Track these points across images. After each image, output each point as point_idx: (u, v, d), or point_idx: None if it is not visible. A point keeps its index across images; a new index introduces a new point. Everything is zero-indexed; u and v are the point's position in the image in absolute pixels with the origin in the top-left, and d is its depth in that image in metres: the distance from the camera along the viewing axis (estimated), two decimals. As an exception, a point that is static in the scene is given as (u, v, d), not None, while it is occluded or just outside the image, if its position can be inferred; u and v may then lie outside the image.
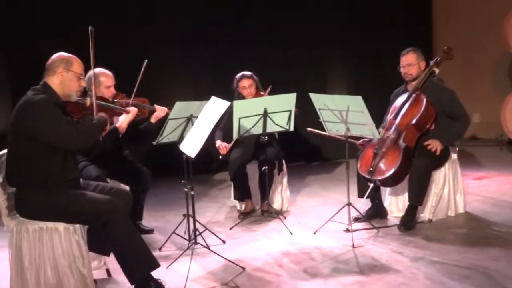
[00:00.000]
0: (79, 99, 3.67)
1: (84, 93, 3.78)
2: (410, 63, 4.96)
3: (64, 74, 3.54)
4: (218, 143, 5.27)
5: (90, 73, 4.55)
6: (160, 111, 4.66)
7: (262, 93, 5.45)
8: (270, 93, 5.40)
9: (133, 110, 4.16)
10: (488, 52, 8.62)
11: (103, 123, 3.63)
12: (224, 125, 5.23)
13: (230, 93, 5.48)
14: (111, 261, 3.77)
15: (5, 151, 3.63)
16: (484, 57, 8.76)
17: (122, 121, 4.10)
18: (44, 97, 3.42)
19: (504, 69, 8.55)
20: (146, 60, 4.43)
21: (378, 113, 5.01)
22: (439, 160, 4.91)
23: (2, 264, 3.78)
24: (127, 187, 4.67)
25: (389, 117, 4.96)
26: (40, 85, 3.53)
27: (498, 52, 8.13)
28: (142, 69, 4.44)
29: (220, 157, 5.28)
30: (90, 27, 3.58)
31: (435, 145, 4.78)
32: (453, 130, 4.90)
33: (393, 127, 4.83)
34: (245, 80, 5.43)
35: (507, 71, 8.50)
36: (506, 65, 8.44)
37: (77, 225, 3.55)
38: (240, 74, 5.49)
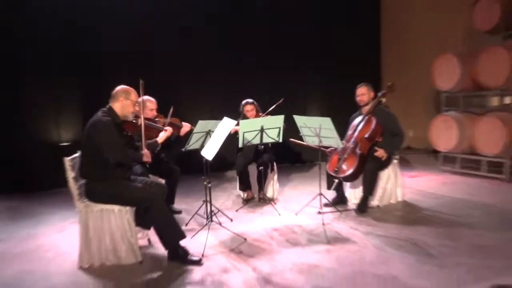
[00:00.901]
0: (133, 120, 3.73)
1: (137, 116, 3.82)
2: (363, 93, 5.00)
3: (124, 101, 3.60)
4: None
5: (139, 99, 4.61)
6: (186, 127, 4.68)
7: (260, 114, 5.47)
8: (271, 110, 5.42)
9: (169, 129, 4.19)
10: (421, 87, 8.62)
11: (136, 158, 3.67)
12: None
13: (236, 112, 5.51)
14: (151, 233, 3.80)
15: (78, 153, 3.67)
16: (418, 90, 8.76)
17: (161, 136, 4.11)
18: (110, 119, 3.49)
19: (431, 99, 8.56)
20: (172, 106, 4.49)
21: (343, 128, 5.06)
22: (384, 164, 4.93)
23: (75, 234, 3.80)
24: (163, 181, 4.69)
25: (349, 132, 4.98)
26: (107, 108, 3.60)
27: (427, 87, 8.13)
28: (170, 113, 4.50)
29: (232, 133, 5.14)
30: (141, 81, 3.68)
31: (381, 153, 4.81)
32: (393, 143, 4.91)
33: (352, 140, 4.85)
34: (248, 106, 5.47)
35: (433, 101, 8.52)
36: (432, 96, 8.45)
37: (128, 208, 3.58)
38: (245, 101, 5.52)
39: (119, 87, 3.66)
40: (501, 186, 5.87)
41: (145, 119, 3.96)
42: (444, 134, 6.82)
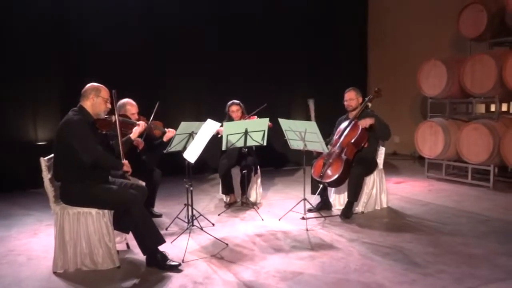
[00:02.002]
0: (107, 117, 3.64)
1: (111, 111, 3.72)
2: (351, 98, 5.01)
3: (95, 99, 3.51)
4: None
5: (120, 102, 4.56)
6: (170, 132, 4.60)
7: (245, 116, 5.43)
8: (249, 117, 5.38)
9: (142, 124, 4.05)
10: (407, 93, 8.71)
11: (115, 166, 3.57)
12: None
13: (221, 115, 5.46)
14: (130, 237, 3.71)
15: (52, 155, 3.58)
16: (404, 96, 8.85)
17: (134, 132, 4.00)
18: (80, 118, 3.41)
19: (417, 105, 8.66)
20: (158, 102, 4.45)
21: (329, 131, 5.07)
22: (370, 169, 4.94)
23: (50, 238, 3.70)
24: (143, 183, 4.60)
25: (335, 137, 4.97)
26: (77, 107, 3.52)
27: (413, 93, 8.22)
28: (155, 109, 4.45)
29: (219, 135, 4.99)
30: (113, 91, 3.62)
31: (367, 121, 4.75)
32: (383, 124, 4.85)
33: (338, 144, 4.84)
34: (234, 106, 5.45)
35: (419, 107, 8.61)
36: (419, 102, 8.54)
37: (106, 211, 3.50)
38: (231, 101, 5.50)
39: (88, 85, 3.57)
40: (487, 194, 5.93)
41: (120, 115, 3.85)
42: (430, 140, 6.87)
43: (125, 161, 3.56)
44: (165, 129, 4.62)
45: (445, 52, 7.75)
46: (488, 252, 3.73)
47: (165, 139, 4.62)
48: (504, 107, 7.13)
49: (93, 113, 3.53)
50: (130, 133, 3.99)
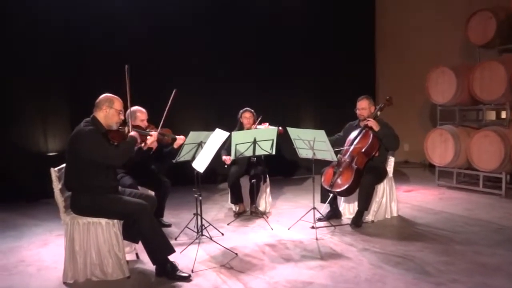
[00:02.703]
0: (120, 128, 3.65)
1: (124, 122, 3.74)
2: (364, 107, 4.98)
3: (108, 110, 3.53)
4: (224, 157, 5.24)
5: (130, 110, 4.58)
6: (180, 140, 4.62)
7: (256, 123, 5.44)
8: (260, 122, 5.40)
9: (154, 134, 4.07)
10: (416, 100, 8.67)
11: (133, 140, 3.61)
12: (227, 146, 5.17)
13: (229, 124, 5.46)
14: (139, 247, 3.70)
15: (64, 165, 3.60)
16: (413, 104, 8.80)
17: (147, 143, 4.03)
18: (92, 128, 3.42)
19: (427, 113, 8.61)
20: (175, 90, 4.33)
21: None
22: (380, 178, 4.90)
23: (60, 248, 3.71)
24: (153, 193, 4.62)
25: (345, 146, 4.93)
26: (90, 118, 3.53)
27: (422, 101, 8.19)
28: (171, 97, 4.33)
29: (226, 166, 5.28)
30: (126, 66, 3.61)
31: (372, 123, 4.76)
32: (390, 132, 4.84)
33: (348, 153, 4.82)
34: (247, 113, 5.49)
35: (428, 114, 8.56)
36: (428, 110, 8.50)
37: (115, 221, 3.50)
38: (244, 109, 5.54)
39: (102, 96, 3.59)
40: (499, 202, 5.86)
41: (134, 127, 3.87)
42: (440, 148, 6.82)
43: (133, 132, 3.63)
44: (175, 136, 4.64)
45: (453, 59, 7.71)
46: (501, 261, 3.68)
47: (175, 146, 4.63)
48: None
49: (105, 124, 3.55)
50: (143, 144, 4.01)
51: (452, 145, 6.62)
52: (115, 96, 3.61)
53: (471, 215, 5.18)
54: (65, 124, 6.59)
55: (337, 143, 4.97)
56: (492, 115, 7.36)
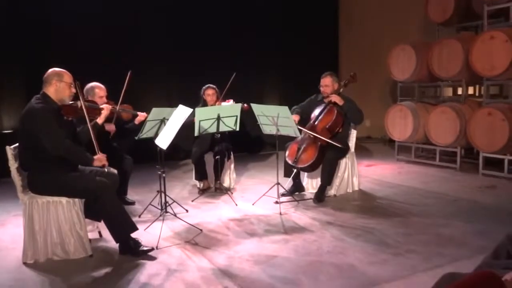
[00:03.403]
0: (72, 103, 3.53)
1: (76, 98, 3.61)
2: (327, 84, 5.01)
3: (58, 84, 3.40)
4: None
5: (88, 86, 4.46)
6: (141, 116, 4.55)
7: (220, 100, 5.39)
8: (224, 99, 5.35)
9: (106, 106, 3.95)
10: (378, 77, 8.79)
11: (84, 160, 3.46)
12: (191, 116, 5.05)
13: (193, 100, 5.39)
14: (102, 225, 3.66)
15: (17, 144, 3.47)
16: (375, 80, 8.92)
17: (101, 116, 3.94)
18: (43, 106, 3.30)
19: (387, 89, 8.78)
20: (130, 71, 4.33)
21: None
22: (343, 153, 4.98)
23: (19, 228, 3.61)
24: (115, 171, 4.53)
25: (310, 122, 4.98)
26: (40, 94, 3.41)
27: (384, 77, 8.32)
28: (127, 79, 4.34)
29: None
30: (77, 82, 3.49)
31: (336, 97, 4.83)
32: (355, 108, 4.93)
33: (312, 130, 4.87)
34: (209, 90, 5.41)
35: (389, 91, 8.73)
36: (389, 87, 8.66)
37: (77, 199, 3.43)
38: (206, 85, 5.45)
39: (50, 70, 3.44)
40: (454, 175, 6.11)
41: (87, 101, 3.74)
42: (400, 123, 7.00)
43: (99, 155, 3.45)
44: (136, 112, 4.55)
45: (414, 36, 7.85)
46: (455, 231, 3.85)
47: (136, 122, 4.55)
48: (470, 91, 7.32)
49: (57, 99, 3.42)
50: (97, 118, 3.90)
51: (411, 120, 6.80)
52: (63, 70, 3.47)
53: (428, 188, 5.38)
54: (19, 100, 6.32)
55: (303, 111, 5.04)
56: (449, 92, 7.59)
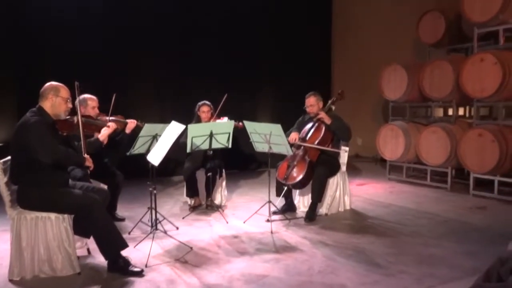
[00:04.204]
0: (68, 118, 3.52)
1: (73, 112, 3.61)
2: (312, 104, 5.06)
3: (54, 99, 3.39)
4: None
5: (80, 98, 4.47)
6: (131, 123, 4.54)
7: (215, 117, 5.39)
8: (219, 116, 5.37)
9: (112, 125, 3.99)
10: (369, 97, 8.86)
11: (77, 160, 3.46)
12: (184, 138, 5.06)
13: (186, 117, 5.38)
14: (91, 242, 3.61)
15: (9, 157, 3.43)
16: (366, 99, 9.00)
17: (103, 133, 3.96)
18: (38, 119, 3.27)
19: (379, 108, 8.85)
20: (114, 94, 4.40)
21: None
22: (333, 171, 5.00)
23: (5, 244, 3.55)
24: (105, 186, 4.50)
25: (300, 138, 4.99)
26: (36, 108, 3.38)
27: (375, 97, 8.39)
28: (112, 100, 4.40)
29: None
30: (76, 82, 3.50)
31: (324, 116, 4.85)
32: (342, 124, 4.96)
33: (301, 147, 4.88)
34: (205, 107, 5.39)
35: (381, 110, 8.80)
36: (380, 106, 8.74)
37: (66, 215, 3.39)
38: (202, 102, 5.44)
39: (47, 84, 3.43)
40: (445, 195, 6.13)
41: (84, 116, 3.74)
42: (391, 143, 7.04)
43: (86, 156, 3.45)
44: (126, 120, 4.54)
45: (405, 57, 7.96)
46: (446, 252, 3.85)
47: (127, 130, 4.53)
48: (460, 111, 7.40)
49: (52, 114, 3.40)
50: (93, 134, 3.89)
51: (402, 140, 6.84)
52: (61, 84, 3.46)
53: (419, 208, 5.39)
54: (10, 114, 6.29)
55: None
56: (440, 112, 7.67)
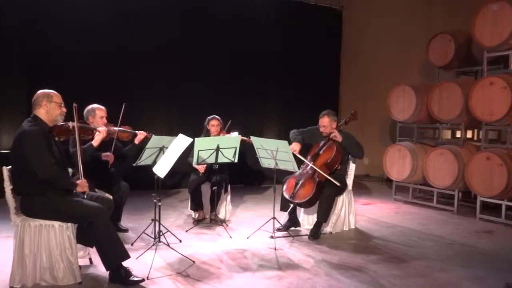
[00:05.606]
0: (63, 124, 3.53)
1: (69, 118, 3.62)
2: (325, 125, 5.02)
3: (48, 105, 3.41)
4: (196, 166, 4.99)
5: (88, 107, 4.50)
6: (140, 134, 4.55)
7: (223, 132, 5.40)
8: (229, 131, 5.39)
9: (103, 130, 3.99)
10: (377, 117, 8.85)
11: (66, 186, 3.41)
12: (191, 156, 5.05)
13: (194, 130, 5.40)
14: (93, 252, 3.58)
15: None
16: (374, 119, 8.98)
17: (96, 139, 3.96)
18: (35, 129, 3.30)
19: (386, 128, 8.83)
20: (124, 104, 4.38)
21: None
22: (340, 190, 4.96)
23: (8, 250, 3.54)
24: (110, 196, 4.49)
25: (308, 157, 4.96)
26: (31, 117, 3.41)
27: (383, 117, 8.38)
28: (122, 111, 4.38)
29: (200, 174, 5.24)
30: (74, 104, 3.51)
31: (337, 135, 4.86)
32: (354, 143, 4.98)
33: (311, 165, 4.86)
34: (214, 121, 5.41)
35: (388, 130, 8.78)
36: (388, 126, 8.71)
37: (69, 224, 3.38)
38: (211, 116, 5.46)
39: (38, 92, 3.45)
40: (451, 218, 6.04)
41: (79, 121, 3.74)
42: (398, 163, 6.99)
43: (82, 181, 3.42)
44: (135, 131, 4.54)
45: (414, 78, 7.96)
46: (452, 276, 3.78)
47: (136, 141, 4.54)
48: (469, 134, 7.35)
49: (48, 120, 3.42)
50: (90, 139, 3.89)
51: (409, 161, 6.80)
52: (51, 91, 3.49)
53: (425, 230, 5.32)
54: (18, 120, 6.31)
55: (304, 139, 5.10)
56: (448, 134, 7.63)
